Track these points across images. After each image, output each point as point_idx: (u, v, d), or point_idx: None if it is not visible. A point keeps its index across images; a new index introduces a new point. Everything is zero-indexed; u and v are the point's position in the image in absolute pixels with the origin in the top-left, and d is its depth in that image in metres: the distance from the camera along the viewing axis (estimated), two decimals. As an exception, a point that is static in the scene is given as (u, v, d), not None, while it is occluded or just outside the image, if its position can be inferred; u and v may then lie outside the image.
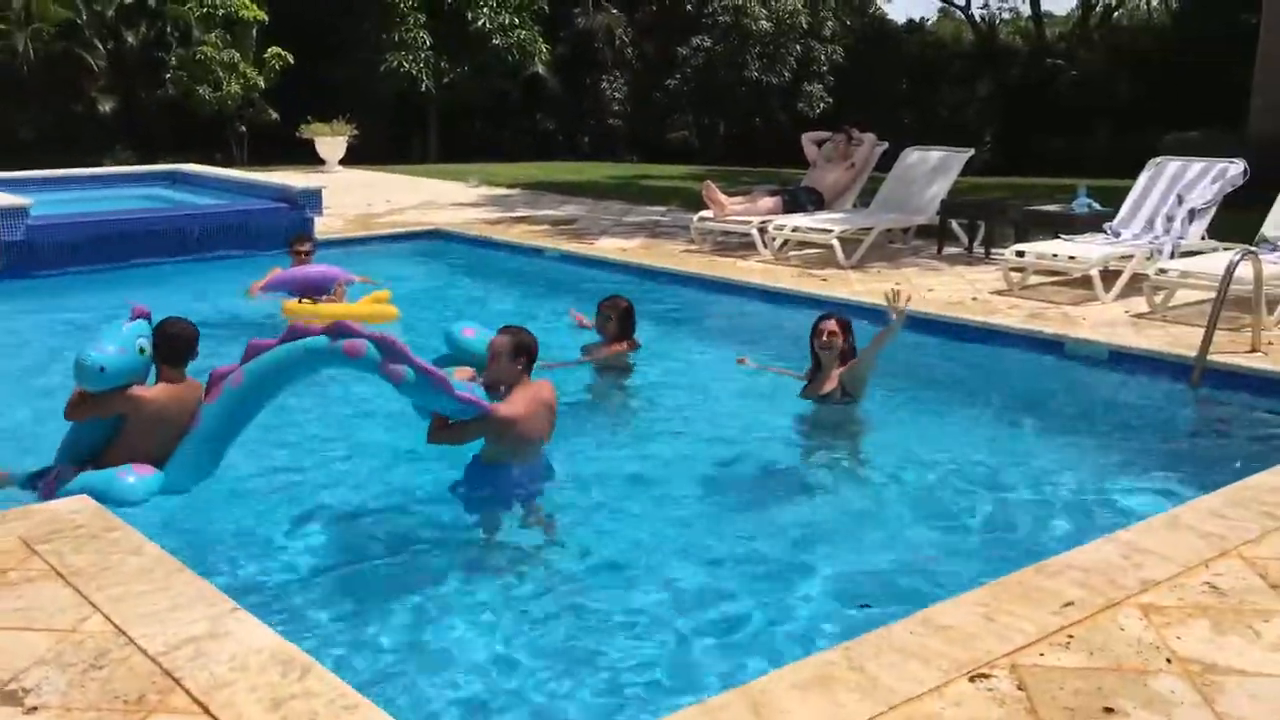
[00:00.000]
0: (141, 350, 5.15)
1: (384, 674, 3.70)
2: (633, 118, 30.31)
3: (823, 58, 29.53)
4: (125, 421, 5.16)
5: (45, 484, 5.05)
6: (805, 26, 29.18)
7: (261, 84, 24.58)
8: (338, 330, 4.99)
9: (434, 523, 5.13)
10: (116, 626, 3.52)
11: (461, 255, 12.20)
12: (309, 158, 21.11)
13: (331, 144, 20.74)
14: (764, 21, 28.41)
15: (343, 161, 20.97)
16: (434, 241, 12.87)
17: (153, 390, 5.21)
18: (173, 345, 5.29)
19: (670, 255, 11.25)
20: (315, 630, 3.97)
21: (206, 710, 3.06)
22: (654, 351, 7.74)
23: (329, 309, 8.50)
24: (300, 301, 8.67)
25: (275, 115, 24.81)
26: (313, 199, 12.18)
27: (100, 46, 25.54)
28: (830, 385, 6.30)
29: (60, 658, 3.34)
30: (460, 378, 5.43)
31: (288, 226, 11.58)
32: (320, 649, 3.71)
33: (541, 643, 3.95)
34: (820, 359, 6.35)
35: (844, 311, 7.06)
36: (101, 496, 4.76)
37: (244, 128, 25.58)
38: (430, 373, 4.95)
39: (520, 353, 5.31)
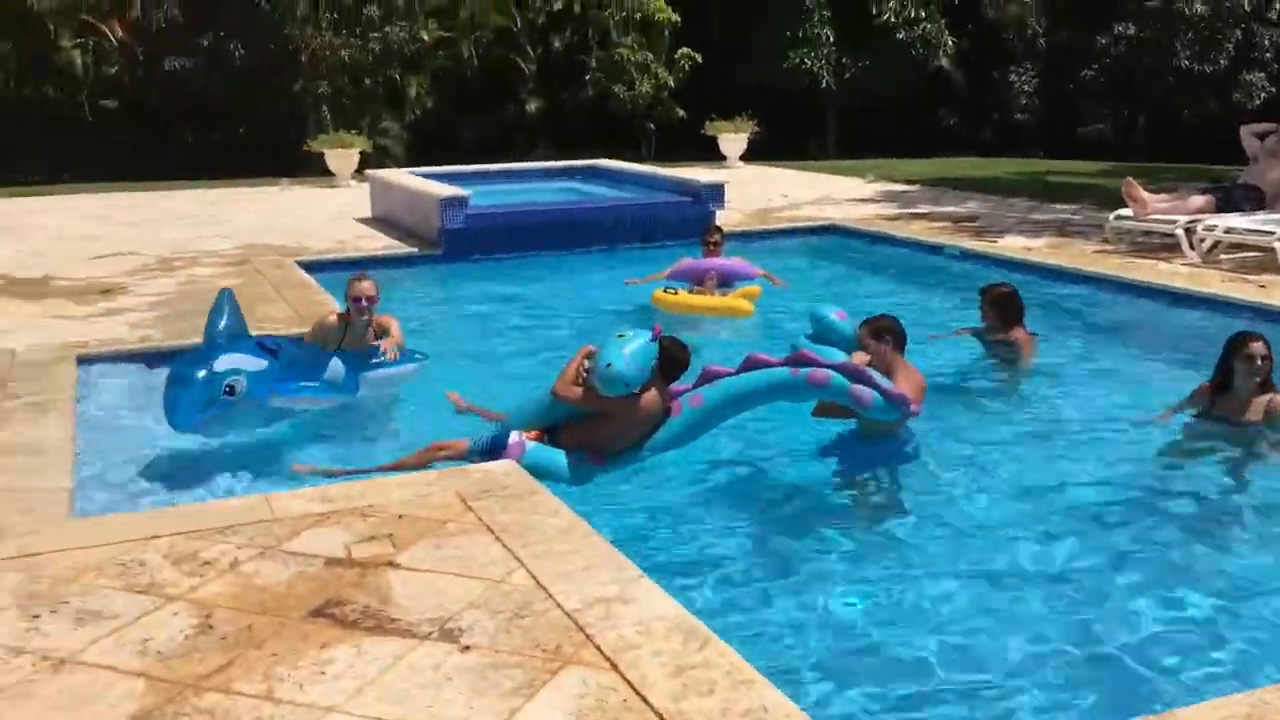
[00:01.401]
0: (651, 369, 5.56)
1: (777, 651, 3.77)
2: (1041, 111, 28.78)
3: (1266, 42, 26.59)
4: (599, 415, 5.58)
5: (507, 456, 5.39)
6: (1248, 9, 26.42)
7: (671, 83, 25.70)
8: (799, 361, 5.36)
9: (826, 500, 5.27)
10: (538, 581, 3.82)
11: (857, 251, 12.14)
12: (711, 154, 21.81)
13: (734, 140, 21.30)
14: (1200, 4, 26.00)
15: (743, 157, 21.48)
16: (830, 236, 12.90)
17: (641, 400, 5.56)
18: (672, 367, 5.71)
19: (1081, 255, 10.60)
20: (711, 603, 4.12)
21: (615, 667, 3.25)
22: (1056, 353, 7.42)
23: (690, 300, 8.79)
24: (667, 291, 8.97)
25: (682, 113, 25.86)
26: (715, 193, 12.59)
27: (531, 51, 27.72)
28: (1253, 415, 5.67)
29: (489, 604, 3.67)
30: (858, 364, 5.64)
31: (692, 219, 12.06)
32: (716, 621, 3.84)
33: (956, 635, 3.88)
34: (1236, 380, 5.72)
35: None
36: (553, 474, 5.26)
37: (652, 125, 26.88)
38: (892, 394, 5.24)
39: (882, 334, 5.79)
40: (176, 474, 5.48)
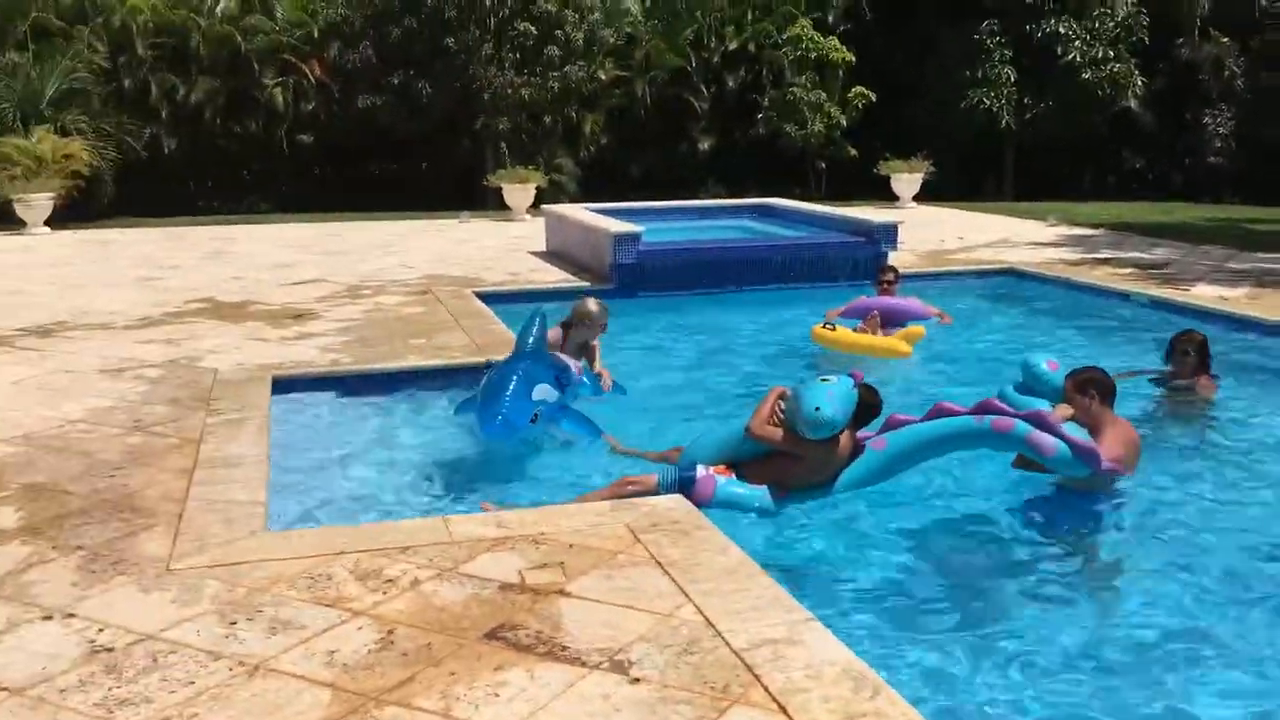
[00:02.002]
0: (847, 415, 5.56)
1: (950, 705, 3.68)
2: (1238, 155, 27.40)
3: None
4: (789, 455, 5.61)
5: (697, 491, 5.46)
6: None
7: (844, 122, 25.55)
8: (984, 410, 5.33)
9: (1009, 552, 5.10)
10: (706, 618, 3.83)
11: (1037, 295, 11.77)
12: (883, 193, 21.58)
13: (908, 180, 21.03)
14: None
15: (916, 198, 21.18)
16: (1008, 279, 12.56)
17: (836, 444, 5.58)
18: (865, 413, 5.72)
19: (1282, 307, 10.03)
20: (882, 649, 4.04)
21: (784, 710, 3.23)
22: (1245, 405, 7.20)
23: (850, 338, 8.70)
24: (825, 327, 8.89)
25: (854, 152, 25.66)
26: (889, 233, 12.44)
27: (704, 90, 28.02)
28: None
29: (658, 638, 3.70)
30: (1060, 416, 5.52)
31: (864, 259, 11.95)
32: (886, 668, 3.78)
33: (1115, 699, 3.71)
34: None
35: None
36: (743, 503, 5.42)
37: (824, 164, 26.76)
38: (1079, 444, 5.14)
39: (1086, 386, 5.67)
40: (361, 493, 5.73)
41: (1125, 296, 11.03)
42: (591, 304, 7.80)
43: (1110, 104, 26.41)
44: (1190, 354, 7.25)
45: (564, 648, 3.62)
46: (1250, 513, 5.54)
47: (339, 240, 16.51)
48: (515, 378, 6.22)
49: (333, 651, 3.60)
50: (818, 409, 5.41)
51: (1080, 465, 5.16)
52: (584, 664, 3.52)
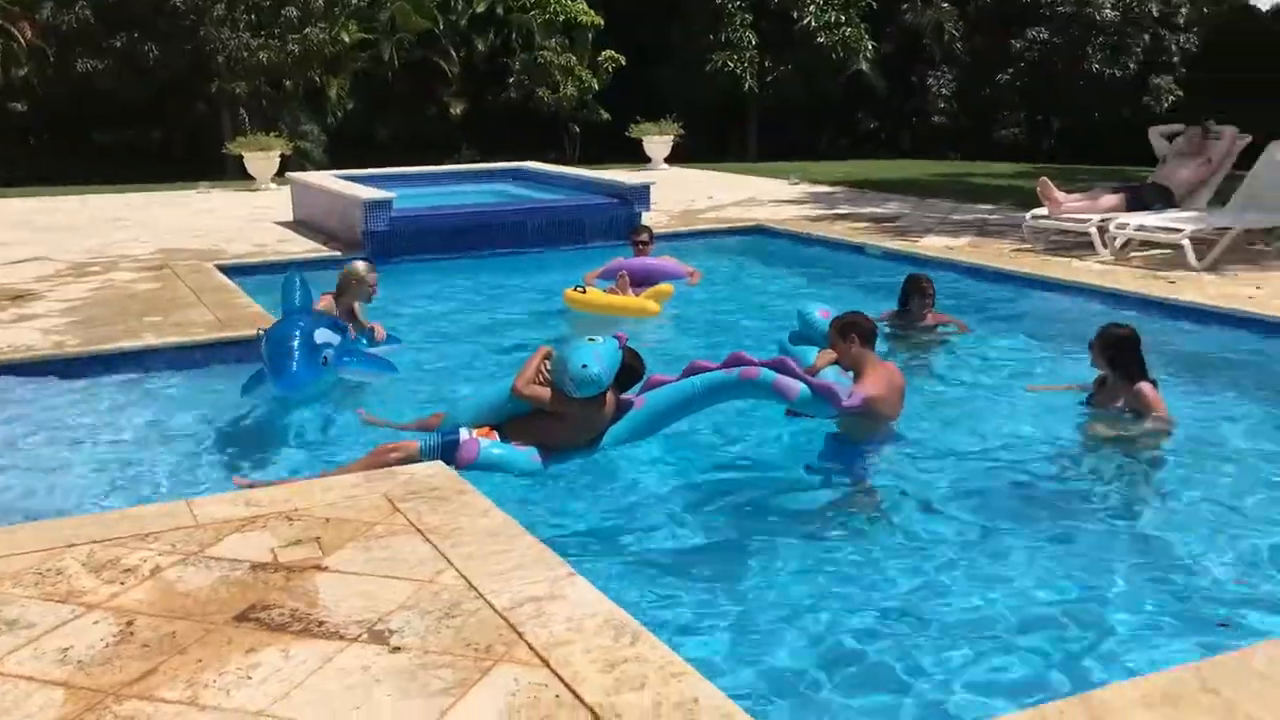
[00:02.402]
0: (612, 373, 5.62)
1: (708, 644, 3.81)
2: (959, 114, 29.33)
3: (1174, 47, 27.40)
4: (554, 415, 5.60)
5: (460, 455, 5.44)
6: (1155, 15, 27.22)
7: (595, 86, 25.72)
8: (734, 361, 5.50)
9: (774, 497, 5.30)
10: (468, 581, 3.80)
11: (783, 251, 12.27)
12: (636, 156, 21.88)
13: (659, 143, 21.40)
14: (1109, 10, 26.71)
15: (667, 160, 21.59)
16: (756, 237, 13.02)
17: (600, 404, 5.62)
18: (627, 374, 5.77)
19: (999, 254, 10.83)
20: (644, 597, 4.13)
21: (547, 664, 3.25)
22: (972, 348, 7.68)
23: (599, 299, 8.87)
24: (577, 290, 9.01)
25: (606, 115, 25.88)
26: (641, 194, 12.63)
27: (454, 54, 27.55)
28: (1125, 404, 5.98)
29: (419, 605, 3.64)
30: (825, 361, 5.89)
31: (619, 221, 12.10)
32: (648, 616, 3.86)
33: (865, 631, 3.93)
34: (1108, 377, 6.08)
35: (1195, 317, 6.71)
36: (507, 465, 5.42)
37: (577, 128, 26.88)
38: (817, 386, 5.35)
39: (847, 330, 5.78)
40: (93, 480, 5.37)
41: (861, 249, 11.65)
42: (360, 266, 7.76)
43: (844, 67, 27.67)
44: (930, 296, 7.89)
45: (320, 623, 3.51)
46: (1000, 439, 5.95)
47: (61, 215, 15.30)
48: (296, 330, 6.12)
49: (65, 649, 3.36)
50: (584, 366, 5.46)
51: (823, 405, 5.39)
52: (342, 637, 3.42)
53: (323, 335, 6.24)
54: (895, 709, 3.48)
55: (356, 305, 7.70)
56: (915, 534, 4.78)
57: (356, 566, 3.93)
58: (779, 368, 5.38)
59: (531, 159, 17.37)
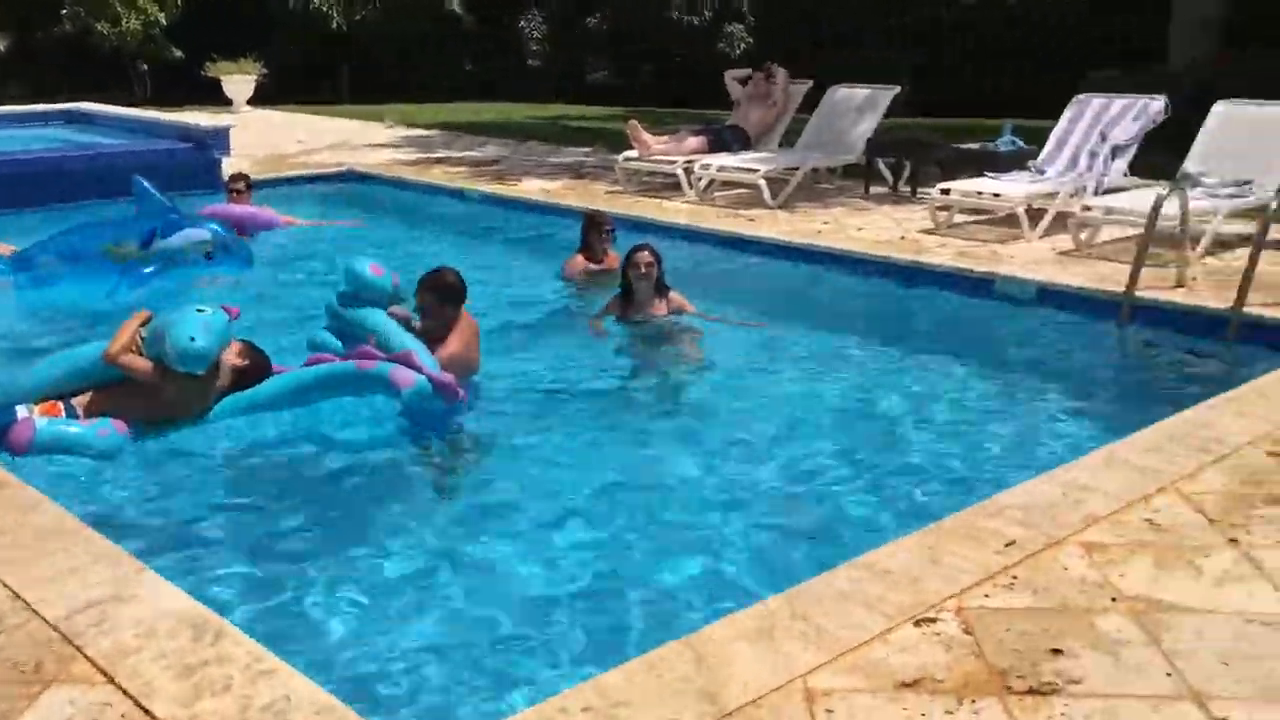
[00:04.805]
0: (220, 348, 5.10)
1: (301, 632, 3.51)
2: (553, 58, 29.72)
3: (744, -5, 29.26)
4: (143, 386, 5.00)
5: (11, 438, 4.74)
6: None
7: (162, 20, 23.56)
8: (360, 356, 5.23)
9: (355, 463, 4.98)
10: (12, 591, 3.28)
11: (379, 197, 11.82)
12: (216, 97, 20.36)
13: (240, 83, 20.06)
14: (685, -41, 28.00)
15: (251, 101, 20.30)
16: (349, 183, 12.47)
17: (213, 382, 5.12)
18: (256, 374, 5.26)
19: (595, 196, 11.01)
20: (229, 588, 3.76)
21: (111, 679, 2.84)
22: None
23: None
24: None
25: (179, 53, 23.83)
26: (219, 139, 11.71)
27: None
28: (659, 309, 6.76)
29: (-51, 627, 3.09)
30: (397, 316, 5.53)
31: (196, 167, 11.17)
32: (235, 608, 3.52)
33: (466, 589, 3.80)
34: (636, 288, 6.71)
35: (773, 252, 7.39)
36: (75, 446, 4.76)
37: (145, 66, 24.55)
38: (439, 382, 5.07)
39: (448, 294, 5.53)
40: None
41: (460, 194, 11.45)
42: None
43: (437, 6, 27.13)
44: (607, 232, 8.08)
45: None
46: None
47: None
48: None
49: None
50: (192, 339, 4.90)
51: (436, 400, 5.10)
52: None
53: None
54: (486, 685, 3.38)
55: None
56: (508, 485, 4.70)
57: None
58: (404, 361, 5.10)
59: (93, 100, 15.67)
